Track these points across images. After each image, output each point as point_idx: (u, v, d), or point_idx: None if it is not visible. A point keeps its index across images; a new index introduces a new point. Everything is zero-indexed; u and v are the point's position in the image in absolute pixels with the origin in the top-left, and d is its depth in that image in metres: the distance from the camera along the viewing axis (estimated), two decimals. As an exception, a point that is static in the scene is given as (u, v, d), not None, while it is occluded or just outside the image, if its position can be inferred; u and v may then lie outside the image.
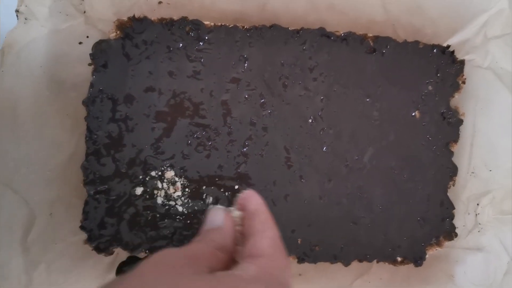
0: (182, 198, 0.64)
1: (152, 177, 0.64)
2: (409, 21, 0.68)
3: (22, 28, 0.61)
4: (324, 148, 0.66)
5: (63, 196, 0.64)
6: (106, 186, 0.63)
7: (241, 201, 0.40)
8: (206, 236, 0.36)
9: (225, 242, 0.36)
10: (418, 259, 0.68)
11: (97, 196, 0.63)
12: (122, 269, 0.65)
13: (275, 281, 0.31)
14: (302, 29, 0.65)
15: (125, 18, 0.63)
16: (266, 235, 0.35)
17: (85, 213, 0.63)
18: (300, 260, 0.66)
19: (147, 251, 0.64)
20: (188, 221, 0.64)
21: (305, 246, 0.66)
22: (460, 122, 0.68)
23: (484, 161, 0.70)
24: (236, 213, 0.39)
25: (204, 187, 0.64)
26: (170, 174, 0.64)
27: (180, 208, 0.64)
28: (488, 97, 0.69)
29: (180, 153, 0.64)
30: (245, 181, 0.64)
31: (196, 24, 0.64)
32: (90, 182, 0.63)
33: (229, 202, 0.64)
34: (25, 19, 0.61)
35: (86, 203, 0.63)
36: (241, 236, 0.38)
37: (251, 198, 0.39)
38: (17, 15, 0.60)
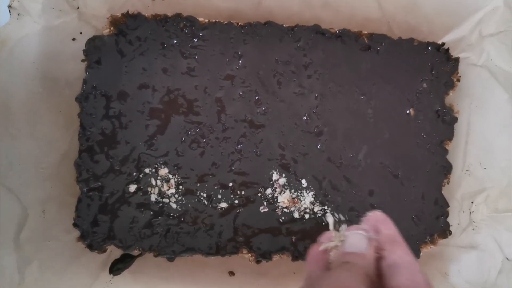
0: (176, 196, 0.63)
1: (146, 174, 0.63)
2: (404, 18, 0.68)
3: (15, 24, 0.60)
4: (319, 145, 0.65)
5: (56, 193, 0.64)
6: (100, 184, 0.63)
7: (373, 222, 0.39)
8: (354, 264, 0.35)
9: (370, 270, 0.35)
10: (412, 257, 0.68)
11: (90, 193, 0.63)
12: (116, 266, 0.65)
13: None
14: (297, 26, 0.65)
15: (119, 14, 0.63)
16: (411, 271, 0.34)
17: (78, 210, 0.63)
18: (294, 258, 0.65)
19: (140, 249, 0.64)
20: (182, 219, 0.63)
21: (299, 244, 0.65)
22: (455, 120, 0.68)
23: (478, 159, 0.70)
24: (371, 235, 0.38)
25: (198, 185, 0.64)
26: (164, 171, 0.63)
27: (174, 206, 0.63)
28: (483, 95, 0.69)
29: (174, 150, 0.64)
30: (241, 178, 0.64)
31: (191, 21, 0.64)
32: (84, 179, 0.62)
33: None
34: (18, 15, 0.60)
35: (79, 200, 0.63)
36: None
37: (386, 224, 0.39)
38: (9, 11, 0.60)
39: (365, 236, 0.38)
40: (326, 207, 0.65)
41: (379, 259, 0.36)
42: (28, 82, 0.61)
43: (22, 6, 0.59)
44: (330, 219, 0.45)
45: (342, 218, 0.45)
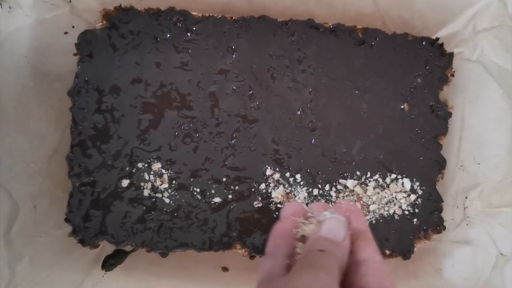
0: (169, 190, 0.63)
1: (139, 169, 0.63)
2: (398, 13, 0.68)
3: (5, 17, 0.59)
4: (313, 140, 0.65)
5: (47, 188, 0.63)
6: (92, 178, 0.62)
7: (345, 212, 0.36)
8: (330, 254, 0.31)
9: (344, 264, 0.32)
10: (406, 252, 0.68)
11: (82, 188, 0.62)
12: (108, 262, 0.64)
13: None
14: (290, 20, 0.65)
15: (111, 8, 0.63)
16: (381, 273, 0.32)
17: (70, 205, 0.62)
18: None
19: (133, 244, 0.63)
20: (175, 214, 0.63)
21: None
22: (449, 115, 0.68)
23: (472, 155, 0.70)
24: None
25: (191, 180, 0.63)
26: (157, 166, 0.63)
27: (167, 201, 0.63)
28: (477, 90, 0.69)
29: (167, 145, 0.63)
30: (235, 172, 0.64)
31: (184, 15, 0.63)
32: (75, 174, 0.62)
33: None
34: (9, 8, 0.59)
35: (71, 195, 0.62)
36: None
37: (359, 217, 0.36)
38: (0, 4, 0.59)
39: (345, 222, 0.34)
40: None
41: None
42: (19, 76, 0.61)
43: (13, -1, 0.59)
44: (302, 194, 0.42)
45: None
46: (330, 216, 0.35)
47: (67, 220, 0.62)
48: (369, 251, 0.33)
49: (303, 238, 0.35)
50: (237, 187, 0.64)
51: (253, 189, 0.64)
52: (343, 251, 0.32)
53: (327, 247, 0.31)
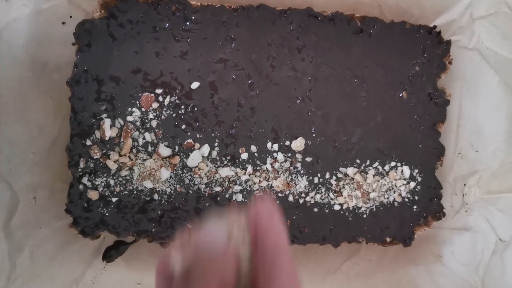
0: (170, 180, 0.63)
1: (139, 159, 0.62)
2: (396, 1, 0.68)
3: (3, 8, 0.59)
4: (313, 129, 0.65)
5: (47, 179, 0.63)
6: (92, 169, 0.62)
7: (252, 218, 0.29)
8: (207, 268, 0.26)
9: (227, 277, 0.26)
10: (407, 239, 0.68)
11: (83, 178, 0.61)
12: (109, 253, 0.64)
13: None
14: (289, 9, 0.65)
15: (109, -3, 0.62)
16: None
17: (70, 196, 0.62)
18: (290, 243, 0.65)
19: (134, 234, 0.63)
20: (176, 204, 0.63)
21: (294, 228, 0.65)
22: (447, 102, 0.69)
23: (470, 142, 0.70)
24: (246, 236, 0.29)
25: (192, 169, 0.63)
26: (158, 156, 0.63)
27: (168, 190, 0.63)
28: (475, 78, 0.70)
29: (167, 135, 0.63)
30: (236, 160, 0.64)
31: (183, 4, 0.63)
32: (75, 164, 0.61)
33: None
34: (6, -3, 0.59)
35: (71, 186, 0.62)
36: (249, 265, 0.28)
37: (272, 222, 0.28)
38: (-3, -6, 0.59)
39: (226, 230, 0.28)
40: (319, 192, 0.65)
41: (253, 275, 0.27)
42: (17, 66, 0.60)
43: (10, -12, 0.58)
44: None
45: None
46: (209, 221, 0.29)
47: (67, 211, 0.62)
48: (279, 283, 0.26)
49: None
50: (237, 176, 0.64)
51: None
52: (228, 264, 0.27)
53: (203, 260, 0.27)
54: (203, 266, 0.26)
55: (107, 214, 0.62)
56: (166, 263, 0.28)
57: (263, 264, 0.27)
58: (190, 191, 0.63)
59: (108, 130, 0.61)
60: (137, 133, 0.62)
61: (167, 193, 0.63)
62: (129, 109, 0.62)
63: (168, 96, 0.62)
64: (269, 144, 0.64)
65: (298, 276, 0.27)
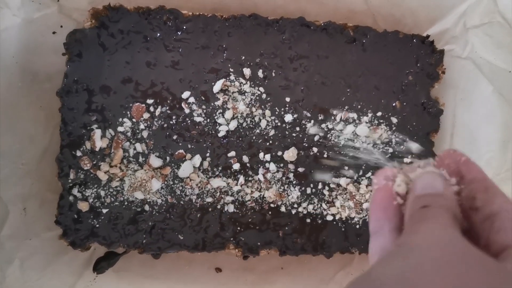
0: (161, 191, 0.62)
1: (130, 169, 0.62)
2: (389, 11, 0.68)
3: (-7, 17, 0.59)
4: (305, 139, 0.65)
5: (37, 190, 0.62)
6: (82, 180, 0.61)
7: (451, 164, 0.31)
8: (437, 206, 0.28)
9: (456, 212, 0.28)
10: (400, 250, 0.68)
11: (73, 189, 0.61)
12: (100, 264, 0.64)
13: None
14: (281, 18, 0.65)
15: (100, 7, 0.62)
16: None
17: (60, 207, 0.61)
18: (282, 253, 0.65)
19: (125, 246, 0.62)
20: (167, 215, 0.62)
21: (287, 239, 0.65)
22: (441, 112, 0.68)
23: (464, 151, 0.70)
24: (452, 180, 0.31)
25: (184, 179, 0.63)
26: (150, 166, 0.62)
27: (159, 201, 0.62)
28: (468, 87, 0.69)
29: (158, 145, 0.62)
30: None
31: (174, 14, 0.63)
32: (65, 175, 0.61)
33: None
34: (-4, 7, 0.59)
35: (61, 197, 0.61)
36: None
37: (471, 166, 0.31)
38: (-12, 4, 0.58)
39: (439, 173, 0.31)
40: (312, 202, 0.65)
41: (469, 212, 0.29)
42: (7, 76, 0.60)
43: (0, -2, 0.58)
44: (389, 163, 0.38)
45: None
46: (421, 172, 0.31)
47: (57, 222, 0.61)
48: (498, 201, 0.28)
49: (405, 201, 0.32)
50: (229, 187, 0.64)
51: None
52: (448, 200, 0.29)
53: (428, 202, 0.28)
54: (427, 207, 0.28)
55: (97, 225, 0.61)
56: (386, 201, 0.31)
57: (476, 192, 0.29)
58: (182, 202, 0.62)
59: (99, 141, 0.61)
60: (128, 143, 0.61)
61: (158, 204, 0.62)
62: (120, 119, 0.61)
63: (160, 106, 0.62)
64: (261, 155, 0.64)
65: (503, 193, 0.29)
